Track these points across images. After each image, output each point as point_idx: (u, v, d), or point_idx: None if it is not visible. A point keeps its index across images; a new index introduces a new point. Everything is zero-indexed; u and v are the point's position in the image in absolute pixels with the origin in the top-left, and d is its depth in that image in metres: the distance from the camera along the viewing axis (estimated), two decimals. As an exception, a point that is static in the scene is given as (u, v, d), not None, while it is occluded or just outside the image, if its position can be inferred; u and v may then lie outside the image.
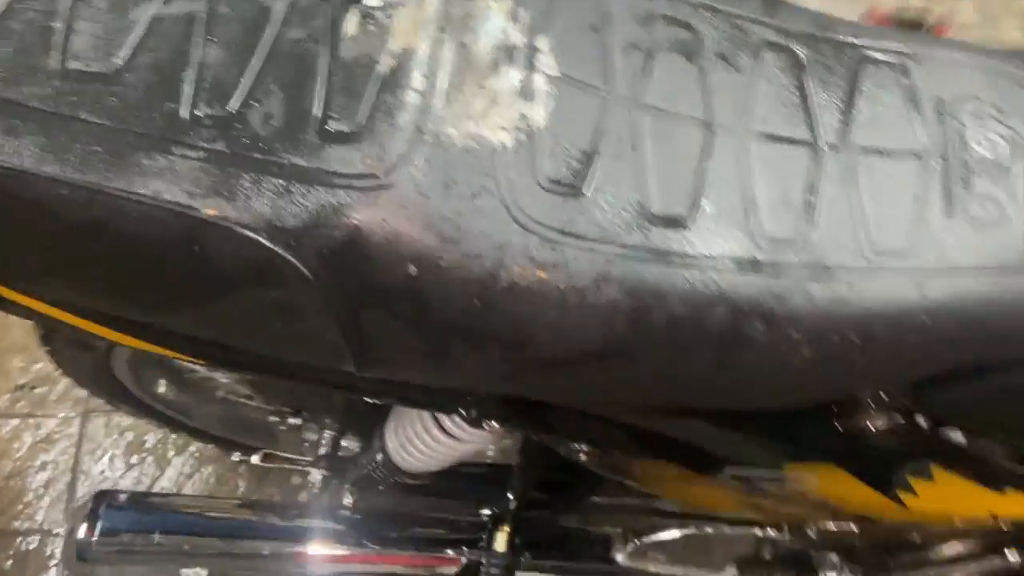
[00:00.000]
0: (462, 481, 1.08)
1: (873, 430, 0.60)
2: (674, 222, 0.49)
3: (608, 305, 0.47)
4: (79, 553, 0.93)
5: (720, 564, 1.04)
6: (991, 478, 0.62)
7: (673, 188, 0.50)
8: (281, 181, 0.44)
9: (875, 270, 0.50)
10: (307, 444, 1.10)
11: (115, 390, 1.13)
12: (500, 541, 0.92)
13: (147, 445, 1.54)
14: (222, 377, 1.22)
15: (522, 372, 0.51)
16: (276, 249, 0.44)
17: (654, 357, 0.50)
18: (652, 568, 1.04)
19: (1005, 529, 0.68)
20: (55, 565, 1.41)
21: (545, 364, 0.50)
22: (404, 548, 1.02)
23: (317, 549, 1.00)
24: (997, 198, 0.52)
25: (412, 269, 0.45)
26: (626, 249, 0.48)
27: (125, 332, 0.56)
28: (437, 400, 0.61)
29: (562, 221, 0.47)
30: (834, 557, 0.96)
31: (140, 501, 0.98)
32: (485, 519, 0.96)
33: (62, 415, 1.55)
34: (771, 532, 0.96)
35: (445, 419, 0.70)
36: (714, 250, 0.49)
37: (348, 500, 1.01)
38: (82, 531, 0.93)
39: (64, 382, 1.59)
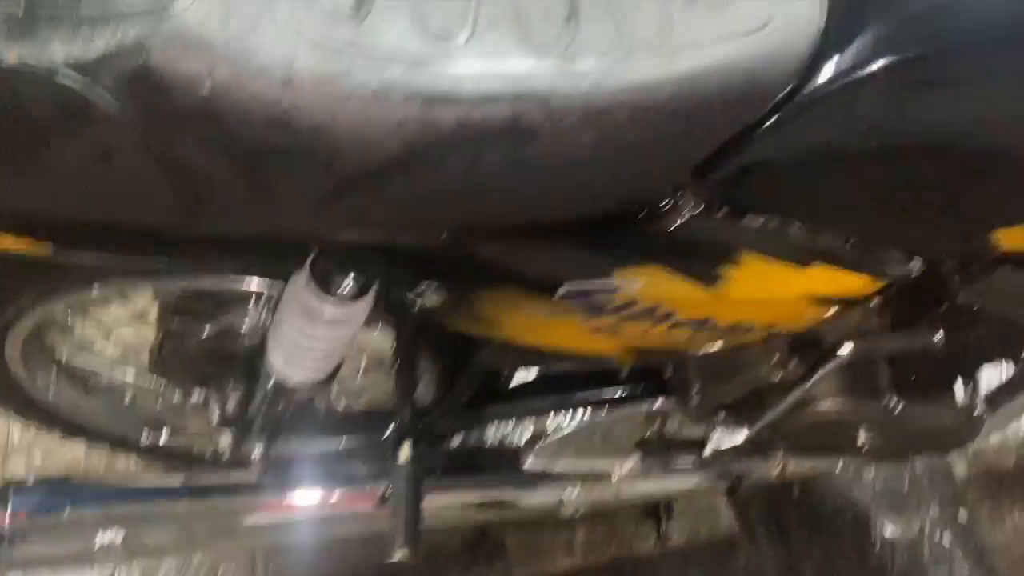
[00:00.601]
0: (361, 420, 1.11)
1: (680, 225, 0.66)
2: (450, 36, 0.55)
3: (398, 110, 0.53)
4: (-10, 539, 0.93)
5: (625, 450, 1.10)
6: (793, 254, 0.69)
7: (448, 10, 0.56)
8: (75, 24, 0.48)
9: (633, 54, 0.57)
10: (213, 413, 1.12)
11: (19, 398, 1.14)
12: (403, 453, 0.95)
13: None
14: (123, 376, 1.23)
15: (339, 195, 0.56)
16: (78, 85, 0.48)
17: (452, 160, 0.56)
18: (560, 467, 1.09)
19: (830, 314, 0.75)
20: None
21: (356, 181, 0.55)
22: (317, 489, 1.05)
23: (230, 502, 1.02)
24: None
25: (207, 87, 0.50)
26: (408, 60, 0.54)
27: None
28: (280, 257, 0.65)
29: (345, 39, 0.53)
30: (720, 415, 1.03)
31: (48, 482, 0.99)
32: (388, 443, 0.99)
33: (-25, 460, 1.53)
34: (660, 403, 1.03)
35: (309, 299, 0.74)
36: (490, 57, 0.55)
37: (257, 452, 1.04)
38: (-9, 518, 0.94)
39: (-26, 429, 1.57)
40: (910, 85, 0.58)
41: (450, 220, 0.62)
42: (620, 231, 0.66)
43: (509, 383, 1.06)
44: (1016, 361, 0.96)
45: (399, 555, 0.90)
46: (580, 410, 1.04)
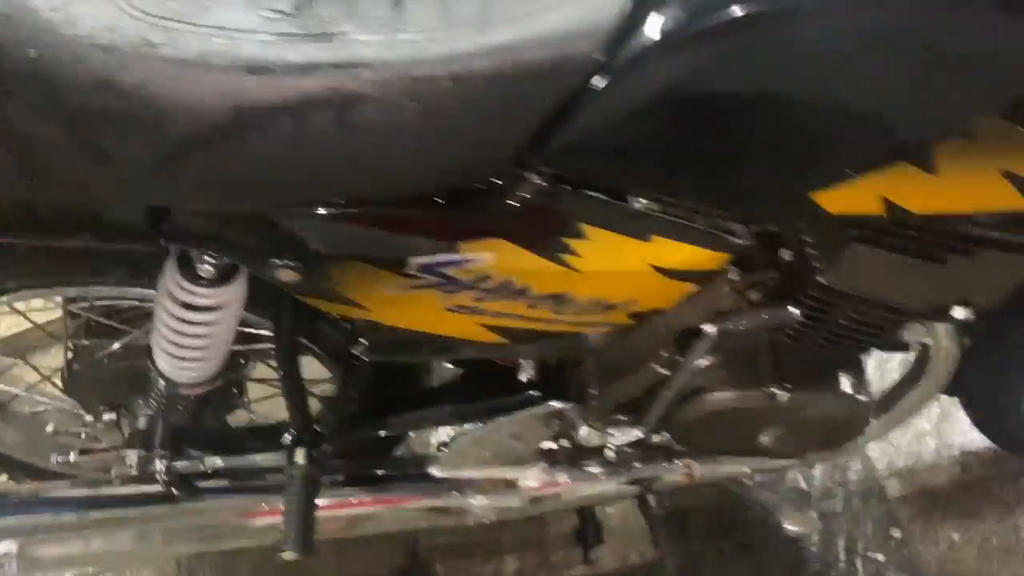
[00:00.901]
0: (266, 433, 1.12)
1: (522, 199, 0.70)
2: (285, 14, 0.59)
3: (220, 77, 0.57)
4: None
5: (530, 457, 1.11)
6: (633, 227, 0.72)
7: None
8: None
9: (454, 28, 0.61)
10: (124, 433, 1.13)
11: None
12: (298, 456, 0.97)
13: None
14: (40, 401, 1.24)
15: (173, 159, 0.59)
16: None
17: (279, 125, 0.59)
18: (466, 475, 1.10)
19: (691, 290, 0.78)
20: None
21: (187, 145, 0.59)
22: (220, 499, 1.06)
23: (129, 512, 1.03)
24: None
25: (32, 51, 0.53)
26: (232, 31, 0.58)
27: None
28: (129, 231, 0.68)
29: (172, 12, 0.57)
30: (619, 416, 1.04)
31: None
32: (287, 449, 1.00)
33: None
34: (560, 406, 1.04)
35: (178, 289, 0.76)
36: (315, 29, 0.59)
37: (161, 466, 1.04)
38: None
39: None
40: (716, 48, 0.62)
41: (288, 188, 0.65)
42: (465, 205, 0.70)
43: (412, 390, 1.08)
44: (898, 349, 0.98)
45: (287, 555, 0.90)
46: (481, 415, 1.05)
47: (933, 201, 0.69)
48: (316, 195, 0.66)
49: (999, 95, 0.60)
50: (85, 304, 1.04)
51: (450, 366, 1.12)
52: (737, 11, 0.61)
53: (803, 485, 1.54)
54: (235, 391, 1.17)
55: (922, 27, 0.59)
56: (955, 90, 0.61)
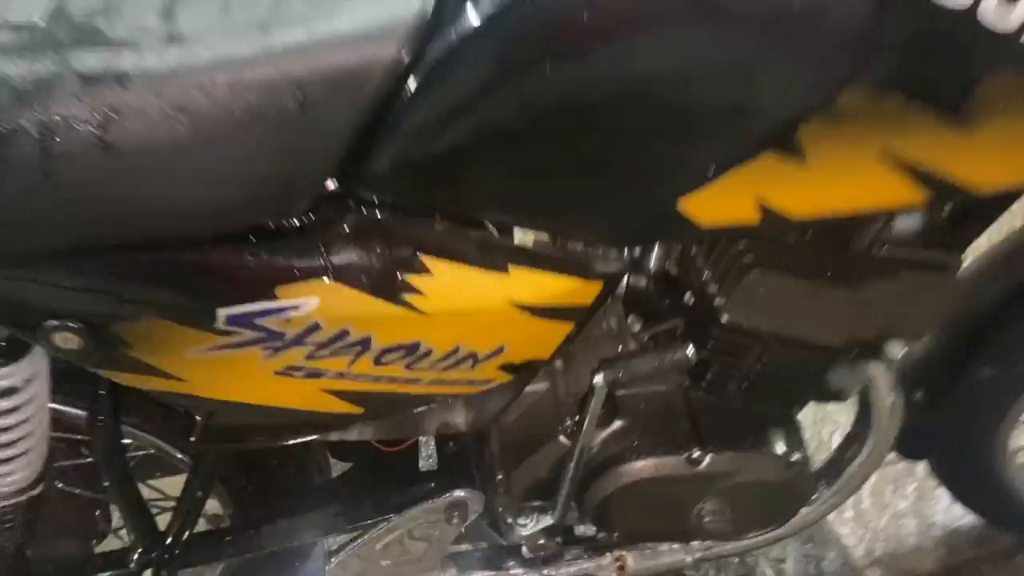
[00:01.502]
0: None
1: (346, 231, 0.60)
2: (33, 26, 0.52)
3: None
4: None
5: (436, 561, 0.97)
6: (485, 257, 0.62)
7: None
8: None
9: (230, 34, 0.53)
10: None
11: None
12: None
13: None
14: None
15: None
16: None
17: (24, 149, 0.50)
18: (367, 585, 0.95)
19: (562, 331, 0.67)
20: None
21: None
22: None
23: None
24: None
25: None
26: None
27: None
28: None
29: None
30: (532, 502, 0.91)
31: None
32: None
33: None
34: (457, 493, 0.91)
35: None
36: (65, 41, 0.52)
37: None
38: None
39: None
40: (540, 35, 0.53)
41: (49, 228, 0.54)
42: (278, 240, 0.59)
43: (287, 490, 0.94)
44: (830, 399, 0.87)
45: None
46: (372, 515, 0.92)
47: (811, 199, 0.59)
48: (86, 235, 0.55)
49: (867, 59, 0.52)
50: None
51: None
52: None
53: (774, 580, 1.39)
54: (99, 514, 1.03)
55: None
56: (813, 55, 0.52)
